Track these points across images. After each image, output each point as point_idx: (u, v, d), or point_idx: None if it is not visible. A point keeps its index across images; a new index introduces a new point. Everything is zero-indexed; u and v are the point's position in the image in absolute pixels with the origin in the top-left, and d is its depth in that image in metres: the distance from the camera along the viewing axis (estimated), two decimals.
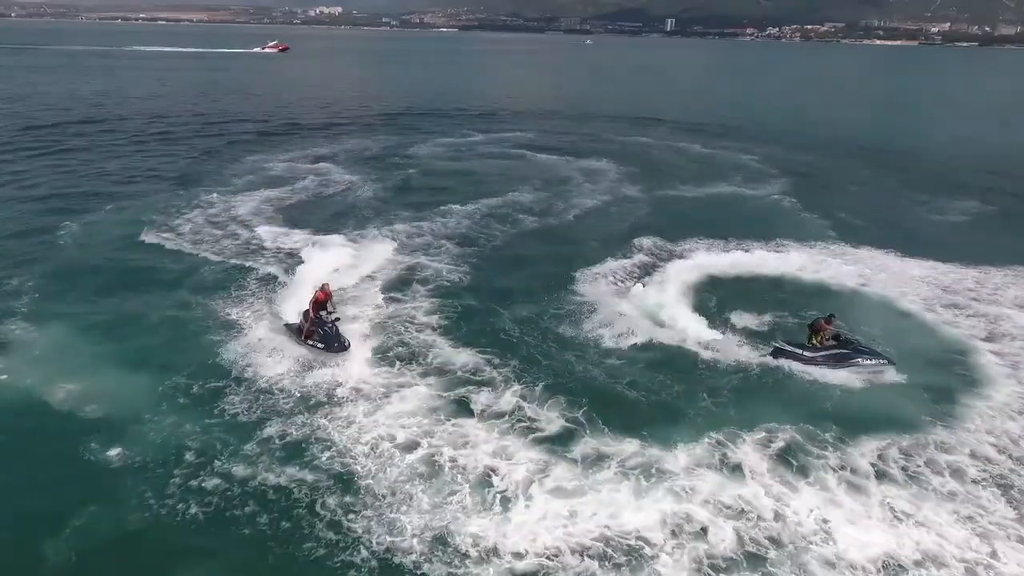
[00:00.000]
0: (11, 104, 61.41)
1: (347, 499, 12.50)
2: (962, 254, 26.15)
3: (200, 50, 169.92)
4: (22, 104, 61.90)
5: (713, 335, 18.98)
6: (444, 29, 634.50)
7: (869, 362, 17.45)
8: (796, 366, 17.33)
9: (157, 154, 42.73)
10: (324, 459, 13.59)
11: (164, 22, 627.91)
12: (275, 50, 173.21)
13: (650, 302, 20.81)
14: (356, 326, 19.11)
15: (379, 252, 25.09)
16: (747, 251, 26.25)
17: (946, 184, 39.73)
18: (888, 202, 36.15)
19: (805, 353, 17.56)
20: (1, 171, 36.43)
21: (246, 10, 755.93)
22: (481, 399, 15.79)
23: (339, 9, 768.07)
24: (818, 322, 18.03)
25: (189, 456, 13.62)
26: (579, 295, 21.85)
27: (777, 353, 17.78)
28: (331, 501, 12.45)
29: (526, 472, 13.23)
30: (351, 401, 15.64)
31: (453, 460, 13.57)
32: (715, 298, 21.75)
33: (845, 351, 17.62)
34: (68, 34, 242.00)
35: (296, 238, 26.63)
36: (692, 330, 19.09)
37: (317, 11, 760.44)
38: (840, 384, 16.83)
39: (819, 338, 17.77)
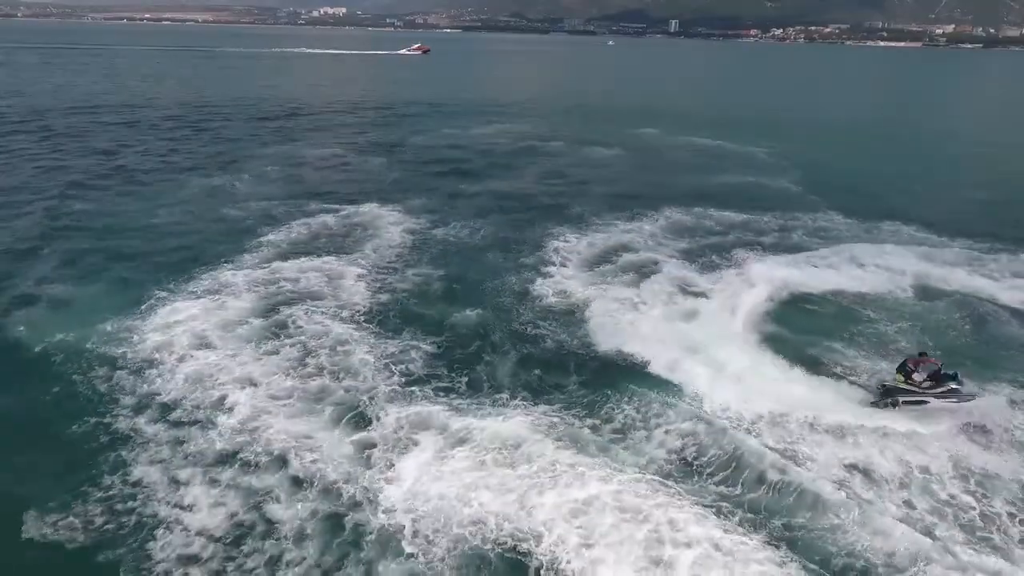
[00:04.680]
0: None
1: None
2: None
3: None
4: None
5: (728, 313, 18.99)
6: (448, 30, 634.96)
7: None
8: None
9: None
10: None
11: (169, 22, 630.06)
12: (418, 52, 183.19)
13: (657, 288, 20.76)
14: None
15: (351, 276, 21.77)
16: (757, 230, 26.87)
17: (951, 178, 39.70)
18: (904, 190, 36.11)
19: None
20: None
21: (250, 11, 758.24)
22: (478, 373, 15.86)
23: (343, 10, 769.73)
24: (911, 360, 14.85)
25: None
26: (581, 282, 21.39)
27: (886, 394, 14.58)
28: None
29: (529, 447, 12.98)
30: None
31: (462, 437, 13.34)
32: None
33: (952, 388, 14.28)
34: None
35: (310, 207, 28.53)
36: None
37: (321, 11, 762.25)
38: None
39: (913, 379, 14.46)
